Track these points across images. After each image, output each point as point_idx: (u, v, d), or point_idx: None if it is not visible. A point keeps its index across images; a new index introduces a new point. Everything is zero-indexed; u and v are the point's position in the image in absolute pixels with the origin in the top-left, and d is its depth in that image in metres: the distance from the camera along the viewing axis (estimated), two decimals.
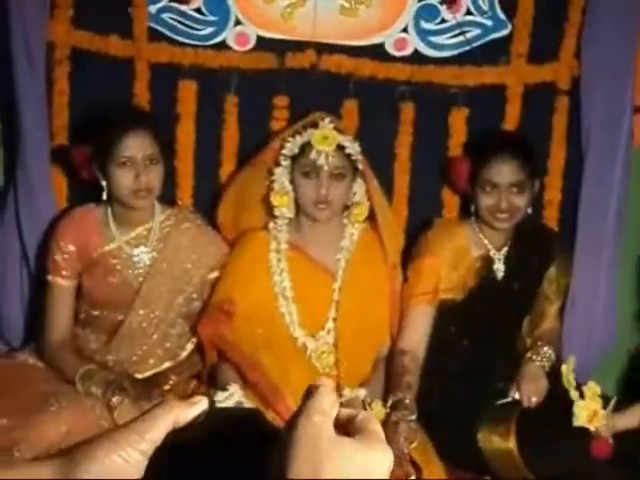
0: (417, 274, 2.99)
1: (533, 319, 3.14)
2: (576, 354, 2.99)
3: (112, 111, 2.94)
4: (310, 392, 0.83)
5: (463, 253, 3.01)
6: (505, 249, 3.05)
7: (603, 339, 3.25)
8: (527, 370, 2.94)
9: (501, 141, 3.05)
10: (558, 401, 2.83)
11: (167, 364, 3.00)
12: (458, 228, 3.07)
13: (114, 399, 2.71)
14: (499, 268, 3.03)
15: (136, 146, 2.81)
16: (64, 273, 2.91)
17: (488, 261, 3.03)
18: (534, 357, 2.98)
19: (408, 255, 3.09)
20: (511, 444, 2.73)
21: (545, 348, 3.01)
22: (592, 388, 2.71)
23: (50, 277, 2.93)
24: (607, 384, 3.19)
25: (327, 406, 0.80)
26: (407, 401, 2.77)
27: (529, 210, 3.00)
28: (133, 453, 0.81)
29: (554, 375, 2.94)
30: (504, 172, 2.94)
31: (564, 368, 2.75)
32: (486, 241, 3.03)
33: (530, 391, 2.88)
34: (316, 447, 0.76)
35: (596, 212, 3.20)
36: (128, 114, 2.93)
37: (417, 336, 2.96)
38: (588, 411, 2.68)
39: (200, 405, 0.85)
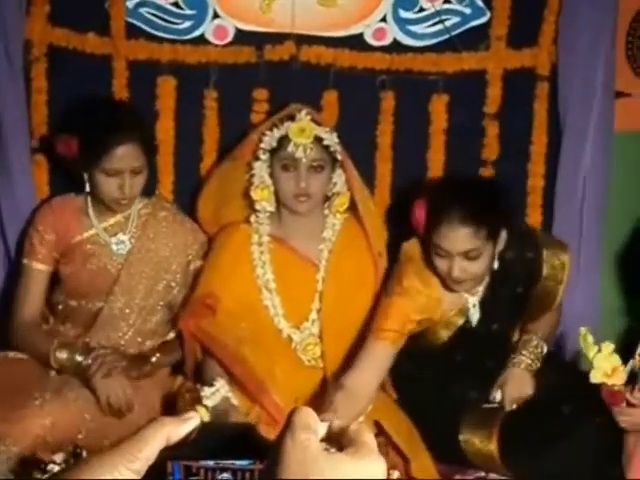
0: (387, 310, 2.76)
1: (533, 317, 2.96)
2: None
3: (100, 106, 2.95)
4: (292, 412, 0.83)
5: (435, 304, 2.78)
6: (480, 292, 2.82)
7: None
8: (511, 374, 2.84)
9: (453, 201, 2.66)
10: (543, 402, 2.81)
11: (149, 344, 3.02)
12: (433, 278, 2.78)
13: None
14: (474, 314, 2.83)
15: (124, 159, 2.81)
16: (40, 257, 2.94)
17: (462, 311, 2.84)
18: (522, 357, 2.85)
19: (393, 247, 3.04)
20: (492, 446, 2.72)
21: (533, 342, 2.87)
22: (608, 347, 2.56)
23: (26, 260, 2.96)
24: None
25: (311, 422, 0.80)
26: None
27: (495, 265, 2.72)
28: (127, 473, 0.81)
29: (543, 370, 2.88)
30: (454, 241, 2.63)
31: (582, 330, 2.58)
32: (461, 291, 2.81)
33: (513, 397, 2.82)
34: (304, 464, 0.76)
35: (570, 197, 3.22)
36: (120, 122, 2.85)
37: (367, 377, 2.70)
38: (606, 366, 2.54)
39: (192, 422, 0.85)
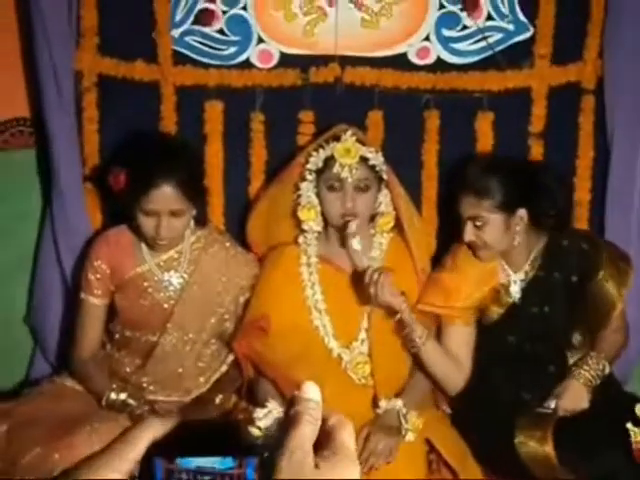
0: (432, 284, 2.96)
1: (592, 326, 2.98)
2: None
3: (151, 144, 2.97)
4: (293, 403, 0.86)
5: (490, 275, 2.92)
6: (523, 272, 2.93)
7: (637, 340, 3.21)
8: (569, 386, 2.86)
9: (468, 170, 2.91)
10: (599, 406, 2.82)
11: (207, 387, 3.05)
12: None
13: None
14: (515, 290, 2.93)
15: (161, 201, 2.79)
16: (96, 292, 2.97)
17: (506, 287, 2.94)
18: (582, 371, 2.86)
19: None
20: (548, 448, 2.72)
21: (596, 359, 2.89)
22: None
23: (83, 295, 2.99)
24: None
25: (307, 440, 0.83)
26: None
27: (516, 242, 2.87)
28: (115, 475, 0.85)
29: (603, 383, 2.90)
30: (462, 206, 2.87)
31: (638, 409, 2.69)
32: (506, 266, 2.95)
33: (567, 409, 2.84)
34: None
35: (620, 210, 3.20)
36: (163, 163, 2.82)
37: (462, 357, 2.95)
38: None
39: (173, 420, 0.89)
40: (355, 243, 2.81)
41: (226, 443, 0.86)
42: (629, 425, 2.66)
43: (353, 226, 2.82)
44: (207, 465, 0.82)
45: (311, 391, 0.87)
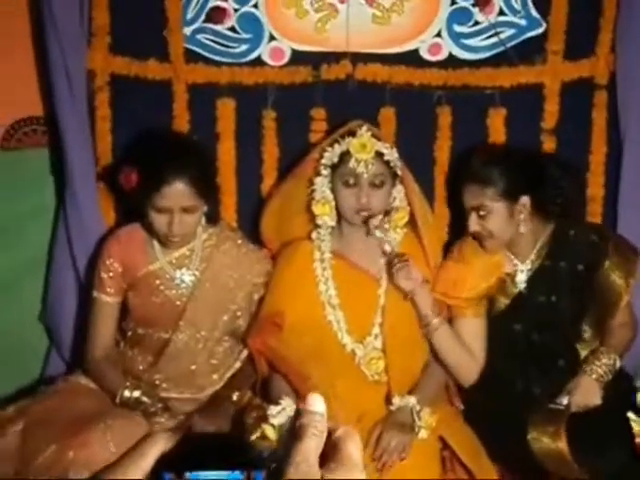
0: (438, 275, 2.97)
1: (600, 318, 2.99)
2: None
3: (160, 141, 2.97)
4: (298, 415, 0.87)
5: (496, 266, 2.93)
6: (529, 261, 2.95)
7: None
8: (581, 382, 2.86)
9: (473, 160, 2.93)
10: (611, 401, 2.82)
11: (220, 384, 3.06)
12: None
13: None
14: (520, 278, 2.94)
15: (173, 197, 2.79)
16: (109, 290, 2.97)
17: (512, 277, 2.96)
18: (594, 367, 2.86)
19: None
20: (561, 444, 2.72)
21: (607, 355, 2.88)
22: None
23: (95, 293, 2.99)
24: None
25: (313, 453, 0.83)
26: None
27: (522, 230, 2.89)
28: None
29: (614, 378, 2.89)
30: (465, 196, 2.90)
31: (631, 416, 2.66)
32: (512, 255, 2.96)
33: (580, 405, 2.83)
34: None
35: (633, 206, 3.20)
36: (174, 160, 2.82)
37: (476, 348, 2.96)
38: None
39: (180, 433, 0.90)
40: (378, 233, 2.86)
41: (234, 456, 0.87)
42: (630, 414, 2.64)
43: (375, 222, 2.86)
44: (215, 478, 0.83)
45: (316, 403, 0.87)
